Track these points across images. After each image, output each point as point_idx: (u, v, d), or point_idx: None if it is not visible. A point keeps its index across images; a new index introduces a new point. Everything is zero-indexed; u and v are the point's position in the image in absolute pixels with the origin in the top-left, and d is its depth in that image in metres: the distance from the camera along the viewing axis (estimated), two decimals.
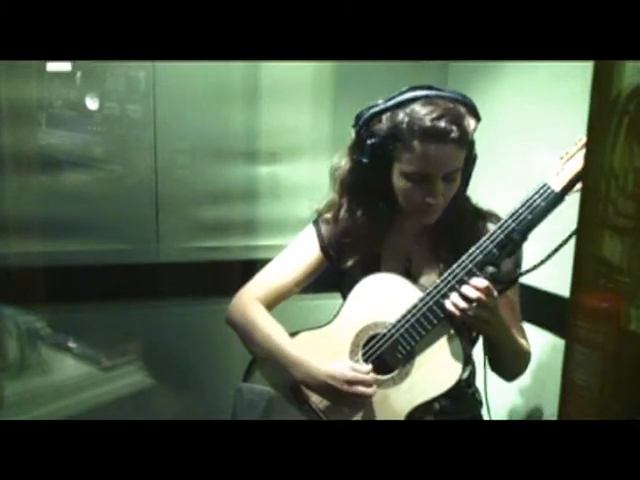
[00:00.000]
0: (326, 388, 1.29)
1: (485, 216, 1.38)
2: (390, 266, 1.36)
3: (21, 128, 1.91)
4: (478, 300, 1.21)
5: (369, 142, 1.29)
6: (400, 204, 1.33)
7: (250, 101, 2.11)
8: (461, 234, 1.31)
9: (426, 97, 1.25)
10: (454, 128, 1.22)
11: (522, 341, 1.39)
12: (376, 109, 1.28)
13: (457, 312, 1.22)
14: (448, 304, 1.23)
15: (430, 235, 1.37)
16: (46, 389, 1.86)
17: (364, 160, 1.30)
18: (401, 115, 1.25)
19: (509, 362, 1.39)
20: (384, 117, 1.27)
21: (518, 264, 1.32)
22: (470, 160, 1.32)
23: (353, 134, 1.33)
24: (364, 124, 1.30)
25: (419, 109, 1.24)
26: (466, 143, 1.26)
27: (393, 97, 1.27)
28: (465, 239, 1.28)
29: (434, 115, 1.22)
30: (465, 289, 1.22)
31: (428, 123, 1.22)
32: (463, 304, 1.21)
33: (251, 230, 2.18)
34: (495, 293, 1.23)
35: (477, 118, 1.29)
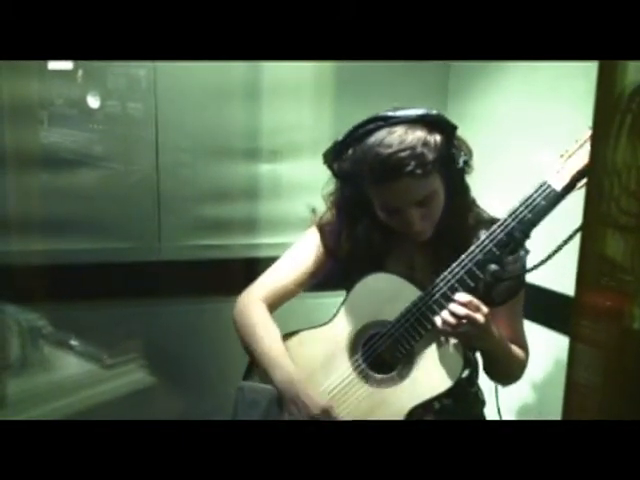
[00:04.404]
0: (293, 402, 1.29)
1: (489, 223, 1.29)
2: (393, 272, 1.35)
3: (23, 126, 1.91)
4: (466, 317, 1.21)
5: (341, 179, 1.31)
6: None
7: (251, 99, 2.10)
8: (464, 242, 1.27)
9: (380, 128, 1.21)
10: (409, 162, 1.18)
11: (518, 352, 1.39)
12: (336, 148, 1.27)
13: (447, 328, 1.22)
14: (438, 321, 1.23)
15: (434, 243, 1.34)
16: (48, 387, 1.87)
17: (345, 193, 1.33)
18: (358, 154, 1.23)
19: (501, 371, 1.40)
20: (346, 155, 1.26)
21: (521, 263, 1.30)
22: (454, 172, 1.27)
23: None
24: (332, 162, 1.29)
25: (373, 147, 1.20)
26: (430, 169, 1.21)
27: (349, 133, 1.25)
28: (468, 247, 1.25)
29: (387, 153, 1.19)
30: (452, 306, 1.22)
31: (381, 163, 1.19)
32: (452, 320, 1.21)
33: (252, 228, 2.18)
34: (485, 309, 1.22)
35: (446, 128, 1.23)
